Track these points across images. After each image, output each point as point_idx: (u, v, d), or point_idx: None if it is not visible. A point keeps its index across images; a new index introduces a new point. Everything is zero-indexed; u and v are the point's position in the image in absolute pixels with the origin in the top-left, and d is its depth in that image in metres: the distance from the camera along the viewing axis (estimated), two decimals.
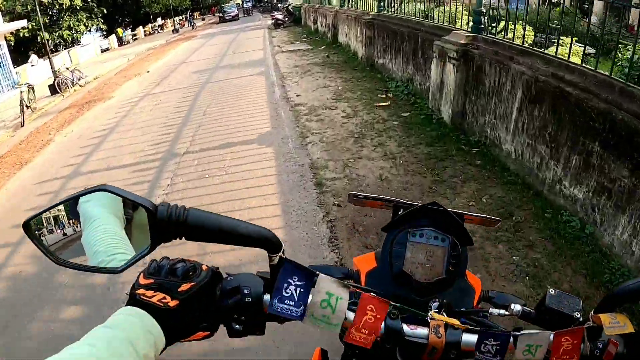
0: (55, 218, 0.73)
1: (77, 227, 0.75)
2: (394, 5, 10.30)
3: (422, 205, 0.96)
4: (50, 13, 30.25)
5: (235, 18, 41.58)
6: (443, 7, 7.65)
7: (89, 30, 36.34)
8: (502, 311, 0.87)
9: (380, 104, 7.85)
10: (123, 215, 0.78)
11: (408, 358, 0.78)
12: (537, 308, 0.86)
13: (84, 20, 32.78)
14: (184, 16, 44.89)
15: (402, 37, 8.66)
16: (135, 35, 40.14)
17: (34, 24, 26.18)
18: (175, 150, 6.93)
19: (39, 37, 27.12)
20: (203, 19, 56.50)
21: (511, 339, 0.70)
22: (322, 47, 15.59)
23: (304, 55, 14.40)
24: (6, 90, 16.82)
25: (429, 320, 0.74)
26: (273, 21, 25.50)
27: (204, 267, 0.70)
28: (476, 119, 5.70)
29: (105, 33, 39.27)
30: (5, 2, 26.09)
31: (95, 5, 34.37)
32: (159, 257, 0.70)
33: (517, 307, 0.87)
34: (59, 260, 0.69)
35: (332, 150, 6.03)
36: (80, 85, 15.40)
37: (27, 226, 0.67)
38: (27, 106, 11.50)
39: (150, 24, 44.33)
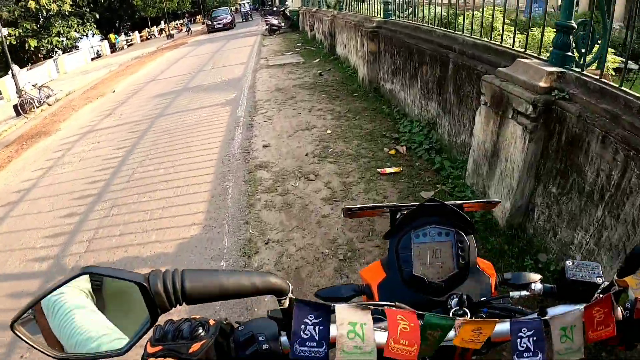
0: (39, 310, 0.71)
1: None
2: (407, 10, 7.12)
3: (419, 204, 0.94)
4: (39, 18, 28.08)
5: (228, 26, 32.60)
6: (481, 14, 4.55)
7: (86, 36, 34.44)
8: (523, 292, 0.85)
9: (387, 171, 4.86)
10: (104, 293, 0.76)
11: None
12: (557, 282, 0.84)
13: (75, 26, 30.61)
14: (183, 20, 41.93)
15: (421, 57, 5.74)
16: (130, 40, 38.10)
17: (21, 30, 25.81)
18: (63, 261, 4.15)
19: (26, 45, 26.53)
20: (203, 23, 53.81)
21: (543, 324, 0.69)
22: (316, 61, 12.57)
23: (292, 72, 11.45)
24: None
25: (464, 320, 0.71)
26: (267, 27, 22.34)
27: (212, 322, 0.68)
28: (554, 228, 2.94)
29: (102, 38, 37.20)
30: None
31: (87, 10, 32.34)
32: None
33: (537, 286, 0.85)
34: (60, 355, 0.64)
35: (296, 290, 3.04)
36: (49, 104, 13.80)
37: (13, 327, 0.64)
38: None
39: (147, 29, 42.20)
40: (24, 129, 11.03)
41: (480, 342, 0.69)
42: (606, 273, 2.00)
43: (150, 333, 0.64)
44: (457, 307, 0.81)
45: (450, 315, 0.79)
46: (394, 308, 0.69)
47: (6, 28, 21.90)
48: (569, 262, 0.82)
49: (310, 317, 0.65)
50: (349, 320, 0.64)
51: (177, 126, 8.15)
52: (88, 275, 0.64)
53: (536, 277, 0.90)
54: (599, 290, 0.76)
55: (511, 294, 0.86)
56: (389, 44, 7.20)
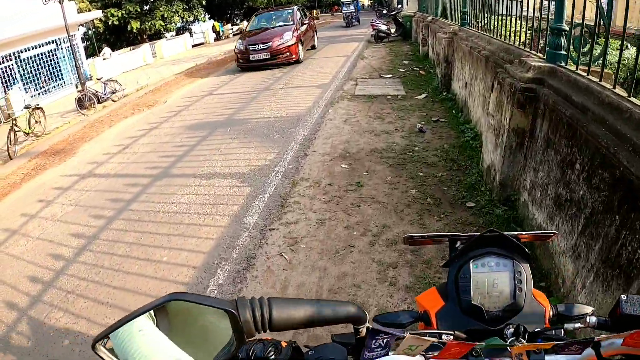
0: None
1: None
2: (592, 49, 3.12)
3: (480, 234, 0.95)
4: (146, 1, 28.27)
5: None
6: None
7: (193, 21, 34.07)
8: (578, 324, 0.87)
9: None
10: (170, 316, 0.76)
11: None
12: (611, 315, 0.84)
13: (180, 11, 29.95)
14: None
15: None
16: (237, 30, 36.42)
17: (124, 12, 26.12)
18: None
19: (129, 26, 26.84)
20: (317, 18, 51.26)
21: (590, 352, 0.72)
22: (422, 97, 8.52)
23: (381, 116, 7.60)
24: (68, 85, 16.08)
25: (509, 349, 0.73)
26: (374, 32, 18.34)
27: (284, 344, 0.74)
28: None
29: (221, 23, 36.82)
30: None
31: None
32: None
33: (592, 319, 0.86)
34: None
35: None
36: (113, 100, 12.69)
37: (95, 347, 0.66)
38: (25, 133, 9.63)
39: None
40: (60, 136, 9.93)
41: None
42: None
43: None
44: (513, 338, 0.81)
45: (509, 344, 0.79)
46: (452, 337, 0.75)
47: (98, 11, 21.66)
48: (623, 297, 0.81)
49: (382, 334, 0.69)
50: (410, 345, 0.69)
51: (163, 210, 5.11)
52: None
53: (588, 309, 0.92)
54: None
55: (565, 325, 0.88)
56: (561, 127, 3.21)
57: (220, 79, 13.72)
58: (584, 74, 3.28)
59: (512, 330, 0.83)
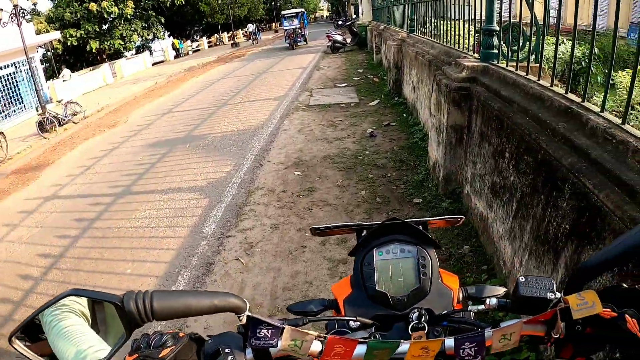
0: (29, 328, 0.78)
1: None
2: (526, 44, 3.24)
3: (382, 222, 0.97)
4: (104, 20, 27.58)
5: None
6: None
7: (152, 39, 33.58)
8: (480, 307, 0.89)
9: None
10: (88, 311, 0.85)
11: None
12: (512, 296, 0.85)
13: (139, 29, 29.60)
14: (251, 28, 39.48)
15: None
16: (197, 46, 36.67)
17: (82, 32, 25.75)
18: None
19: (88, 46, 26.44)
20: (276, 31, 51.55)
21: (488, 334, 0.71)
22: (374, 103, 8.73)
23: (334, 124, 7.81)
24: (28, 108, 15.30)
25: (412, 340, 0.74)
26: (330, 43, 18.63)
27: (181, 334, 0.73)
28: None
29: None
30: (55, 9, 25.90)
31: (153, 14, 31.10)
32: None
33: (493, 301, 0.88)
34: None
35: None
36: (74, 123, 12.46)
37: (11, 340, 0.71)
38: None
39: (217, 35, 40.73)
40: (23, 161, 9.69)
41: (431, 358, 0.71)
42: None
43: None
44: (417, 321, 0.82)
45: (410, 328, 0.81)
46: (338, 337, 0.73)
47: (56, 32, 21.61)
48: (521, 278, 0.82)
49: (265, 324, 0.71)
50: (292, 338, 0.71)
51: (126, 226, 5.08)
52: (78, 297, 0.74)
53: (500, 289, 0.93)
54: (551, 305, 0.76)
55: (470, 307, 0.90)
56: (491, 120, 3.35)
57: (179, 96, 13.65)
58: (513, 69, 3.49)
59: (416, 314, 0.84)
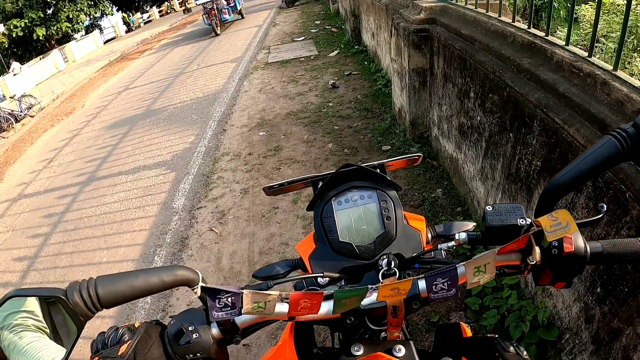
0: None
1: None
2: None
3: (336, 171, 0.92)
4: (47, 5, 26.23)
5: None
6: None
7: (101, 16, 32.00)
8: (450, 243, 0.87)
9: None
10: (44, 320, 0.80)
11: (376, 323, 0.79)
12: (482, 228, 0.82)
13: (85, 8, 28.11)
14: None
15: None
16: (148, 17, 34.77)
17: (27, 21, 24.63)
18: None
19: (34, 35, 25.18)
20: None
21: (461, 270, 0.68)
22: (334, 53, 8.51)
23: (295, 79, 7.57)
24: None
25: (380, 283, 0.70)
26: None
27: (137, 324, 0.70)
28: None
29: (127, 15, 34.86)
30: None
31: None
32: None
33: (462, 235, 0.85)
34: None
35: None
36: (31, 116, 11.78)
37: None
38: None
39: (167, 3, 39.01)
40: None
41: (403, 296, 0.69)
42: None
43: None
44: (387, 268, 0.80)
45: (381, 275, 0.79)
46: (300, 292, 0.69)
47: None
48: (488, 208, 0.80)
49: (223, 293, 0.67)
50: (255, 301, 0.67)
51: (96, 214, 4.90)
52: (37, 301, 0.73)
53: (470, 224, 0.92)
54: (523, 231, 0.75)
55: (439, 246, 0.86)
56: (454, 60, 3.28)
57: (134, 71, 13.08)
58: (472, 7, 3.39)
59: (385, 260, 0.81)
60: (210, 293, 0.68)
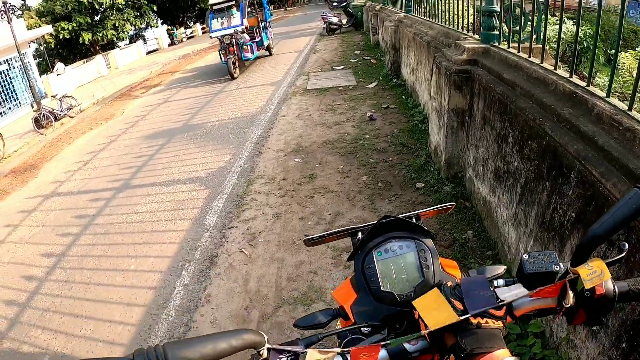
0: None
1: None
2: (527, 24, 3.23)
3: (376, 222, 0.97)
4: (95, 11, 27.21)
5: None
6: None
7: (145, 27, 33.16)
8: None
9: None
10: None
11: None
12: (518, 275, 0.86)
13: (131, 19, 28.99)
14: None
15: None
16: (191, 33, 35.92)
17: (74, 24, 25.44)
18: None
19: (80, 39, 26.05)
20: (271, 14, 51.01)
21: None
22: (372, 85, 8.66)
23: (333, 108, 7.71)
24: (23, 105, 14.97)
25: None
26: (325, 25, 18.40)
27: None
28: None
29: (169, 29, 36.08)
30: (45, 3, 25.59)
31: (145, 2, 30.41)
32: None
33: (500, 282, 0.87)
34: None
35: None
36: (70, 117, 12.18)
37: None
38: None
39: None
40: (21, 159, 9.47)
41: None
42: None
43: None
44: None
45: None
46: (359, 346, 0.73)
47: (48, 27, 20.93)
48: (525, 256, 0.84)
49: (286, 353, 0.72)
50: (317, 358, 0.71)
51: (127, 221, 5.04)
52: None
53: (500, 268, 0.93)
54: (558, 277, 0.79)
55: None
56: (494, 104, 3.32)
57: (175, 84, 13.52)
58: (515, 51, 3.43)
59: None
60: (274, 354, 0.72)
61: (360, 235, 1.08)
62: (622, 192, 1.73)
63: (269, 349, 0.73)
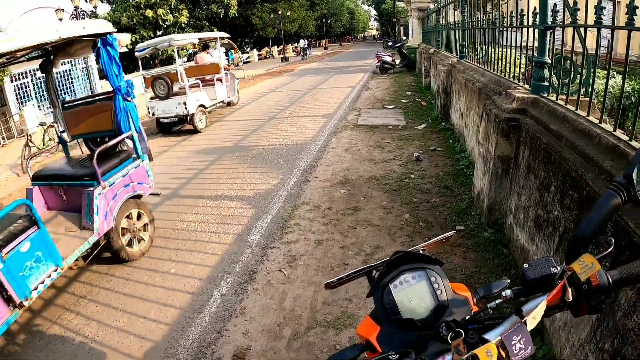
0: None
1: None
2: (576, 78, 3.37)
3: (388, 259, 1.12)
4: (158, 27, 28.88)
5: None
6: None
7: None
8: (498, 301, 1.00)
9: None
10: None
11: None
12: (522, 283, 0.99)
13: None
14: (302, 44, 40.34)
15: None
16: (247, 58, 37.44)
17: (137, 37, 26.55)
18: None
19: None
20: (325, 48, 52.41)
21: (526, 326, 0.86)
22: (421, 127, 8.84)
23: (381, 145, 7.93)
24: None
25: (449, 344, 0.88)
26: (379, 64, 18.85)
27: None
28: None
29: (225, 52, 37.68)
30: (112, 13, 27.26)
31: (206, 24, 32.45)
32: None
33: (507, 292, 0.99)
34: None
35: None
36: None
37: None
38: (39, 149, 9.64)
39: (267, 48, 41.93)
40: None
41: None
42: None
43: None
44: (450, 332, 0.90)
45: (445, 341, 0.90)
46: (391, 357, 0.85)
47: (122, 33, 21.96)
48: (525, 265, 0.98)
49: None
50: None
51: (172, 227, 5.08)
52: None
53: (505, 281, 1.04)
54: (557, 277, 0.93)
55: (488, 305, 0.99)
56: (539, 153, 3.42)
57: (227, 106, 14.09)
58: (563, 103, 3.55)
59: (445, 327, 0.94)
60: None
61: (375, 273, 1.23)
62: None
63: None
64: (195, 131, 10.60)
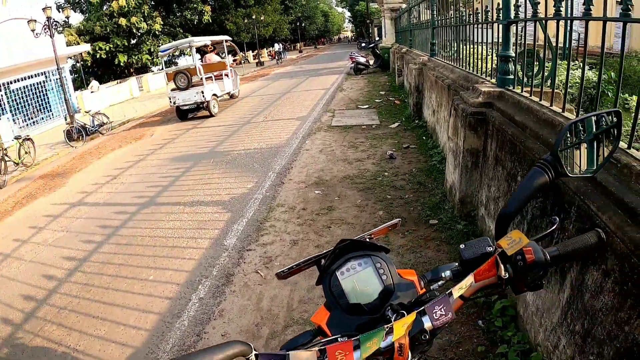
0: None
1: None
2: (539, 71, 3.38)
3: (333, 248, 1.12)
4: (132, 35, 28.77)
5: None
6: None
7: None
8: (439, 282, 1.06)
9: None
10: None
11: None
12: (460, 264, 1.05)
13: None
14: (276, 48, 40.29)
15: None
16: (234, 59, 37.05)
17: (111, 45, 26.96)
18: None
19: (116, 60, 27.52)
20: (300, 51, 52.46)
21: (452, 297, 0.90)
22: (395, 125, 8.90)
23: (355, 145, 7.97)
24: (56, 117, 16.20)
25: (386, 328, 0.87)
26: (353, 65, 18.94)
27: None
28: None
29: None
30: (86, 23, 27.28)
31: (180, 31, 32.44)
32: None
33: (447, 273, 1.06)
34: None
35: None
36: (102, 134, 12.98)
37: None
38: (15, 163, 9.82)
39: (242, 53, 41.60)
40: (50, 167, 10.21)
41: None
42: None
43: None
44: (395, 315, 0.94)
45: (392, 323, 0.89)
46: (339, 340, 0.89)
47: (86, 45, 22.40)
48: (462, 246, 1.02)
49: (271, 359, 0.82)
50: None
51: (150, 235, 5.32)
52: None
53: (452, 265, 1.08)
54: (491, 255, 0.94)
55: (431, 287, 1.05)
56: (505, 145, 3.47)
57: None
58: (527, 95, 3.61)
59: (390, 310, 0.97)
60: (262, 359, 0.83)
61: (323, 261, 1.22)
62: (616, 224, 1.86)
63: (256, 355, 0.82)
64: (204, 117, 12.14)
